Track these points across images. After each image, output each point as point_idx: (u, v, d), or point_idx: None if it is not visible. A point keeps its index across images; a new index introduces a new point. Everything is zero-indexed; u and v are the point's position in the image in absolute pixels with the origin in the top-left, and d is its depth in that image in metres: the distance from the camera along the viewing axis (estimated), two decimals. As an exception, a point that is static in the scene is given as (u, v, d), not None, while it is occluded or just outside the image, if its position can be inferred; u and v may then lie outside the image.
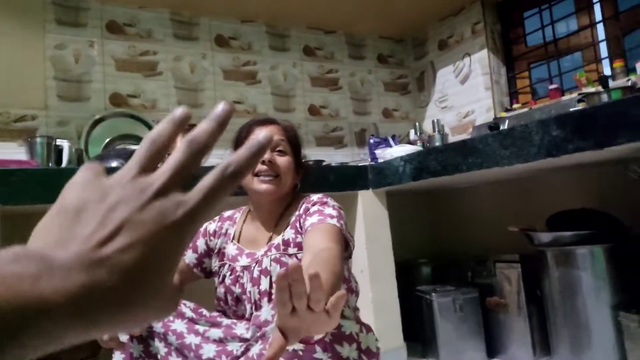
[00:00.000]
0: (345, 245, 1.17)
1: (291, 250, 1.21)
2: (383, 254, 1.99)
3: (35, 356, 0.25)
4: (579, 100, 1.73)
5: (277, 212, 1.30)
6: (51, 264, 0.25)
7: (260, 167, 1.25)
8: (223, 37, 2.43)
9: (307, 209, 1.24)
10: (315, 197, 1.28)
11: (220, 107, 0.33)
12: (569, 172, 1.93)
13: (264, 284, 1.22)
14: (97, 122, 2.02)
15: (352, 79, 2.77)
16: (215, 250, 1.36)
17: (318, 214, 1.19)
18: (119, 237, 0.27)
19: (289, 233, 1.24)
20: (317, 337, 0.99)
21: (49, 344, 0.25)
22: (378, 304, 1.93)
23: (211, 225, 1.40)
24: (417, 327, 2.07)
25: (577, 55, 2.35)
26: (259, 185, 1.24)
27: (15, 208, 1.35)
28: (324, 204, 1.24)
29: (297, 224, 1.24)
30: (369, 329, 1.12)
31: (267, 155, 1.25)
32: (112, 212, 0.28)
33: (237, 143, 1.33)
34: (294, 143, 1.32)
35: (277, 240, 1.25)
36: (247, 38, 2.49)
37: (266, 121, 1.33)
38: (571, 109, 1.57)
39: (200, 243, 1.38)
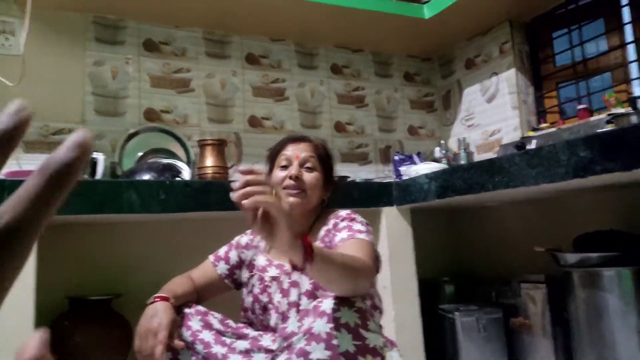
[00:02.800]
0: (374, 261, 1.20)
1: None
2: (406, 272, 2.00)
3: None
4: (608, 122, 1.72)
5: (306, 226, 1.35)
6: None
7: (287, 182, 1.30)
8: (253, 55, 2.50)
9: (336, 224, 1.28)
10: (343, 212, 1.32)
11: (77, 136, 0.25)
12: (597, 193, 1.91)
13: (294, 295, 1.25)
14: (131, 136, 2.10)
15: (378, 96, 2.81)
16: (247, 262, 1.41)
17: (347, 229, 1.23)
18: None
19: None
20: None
21: None
22: (400, 322, 1.93)
23: (243, 238, 1.46)
24: (439, 346, 2.06)
25: (607, 75, 2.33)
26: (286, 198, 1.29)
27: (54, 218, 1.42)
28: (353, 219, 1.28)
29: (327, 238, 1.28)
30: (393, 344, 1.14)
31: (294, 170, 1.30)
32: None
33: (271, 160, 1.39)
34: (324, 160, 1.37)
35: None
36: (277, 56, 2.56)
37: (299, 138, 1.39)
38: (599, 130, 1.56)
39: (233, 255, 1.43)
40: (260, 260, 1.38)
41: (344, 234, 1.22)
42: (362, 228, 1.24)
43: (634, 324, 1.53)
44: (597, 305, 1.59)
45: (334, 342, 1.01)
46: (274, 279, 1.31)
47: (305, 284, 1.25)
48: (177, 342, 1.22)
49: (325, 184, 1.37)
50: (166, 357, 1.22)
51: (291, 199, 1.30)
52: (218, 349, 1.24)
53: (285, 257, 1.34)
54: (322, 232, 1.31)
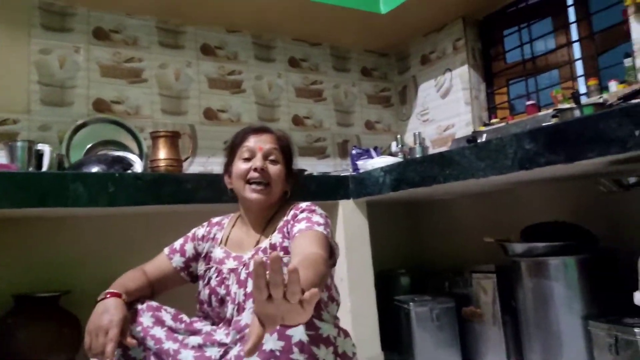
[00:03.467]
0: (330, 254, 1.20)
1: (278, 253, 1.24)
2: (362, 264, 2.01)
3: None
4: (553, 116, 1.78)
5: (266, 217, 1.35)
6: None
7: (252, 174, 1.29)
8: (209, 46, 2.46)
9: (295, 216, 1.27)
10: (303, 204, 1.32)
11: None
12: (544, 185, 1.99)
13: (251, 286, 1.24)
14: (79, 128, 2.02)
15: (336, 90, 2.81)
16: (203, 254, 1.39)
17: (306, 220, 1.22)
18: None
19: (276, 237, 1.27)
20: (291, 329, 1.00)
21: None
22: (356, 313, 1.95)
23: (200, 230, 1.43)
24: (395, 336, 2.09)
25: (555, 72, 2.42)
26: (250, 194, 1.29)
27: (-5, 211, 1.35)
28: (312, 211, 1.28)
29: (285, 229, 1.28)
30: (346, 334, 1.15)
31: (259, 163, 1.29)
32: None
33: (232, 151, 1.37)
34: (286, 152, 1.36)
35: (265, 243, 1.28)
36: (233, 48, 2.52)
37: (260, 129, 1.37)
38: (544, 124, 1.62)
39: (189, 247, 1.41)
40: (217, 253, 1.36)
41: (302, 225, 1.21)
42: (321, 220, 1.24)
43: (578, 310, 1.60)
44: (543, 293, 1.66)
45: (288, 332, 1.00)
46: (231, 270, 1.30)
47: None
48: (129, 340, 1.18)
49: (287, 177, 1.36)
50: (117, 353, 1.19)
51: (255, 195, 1.29)
52: (170, 345, 1.21)
53: (243, 249, 1.32)
54: (281, 222, 1.30)
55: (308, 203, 1.33)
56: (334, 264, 1.28)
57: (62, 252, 1.84)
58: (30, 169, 1.77)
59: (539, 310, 1.66)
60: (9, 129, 1.95)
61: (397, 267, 2.41)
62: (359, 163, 2.40)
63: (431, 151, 2.62)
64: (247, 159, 1.31)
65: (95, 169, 1.68)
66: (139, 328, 1.23)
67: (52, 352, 1.57)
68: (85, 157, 1.89)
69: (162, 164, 1.92)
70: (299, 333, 1.01)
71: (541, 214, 1.91)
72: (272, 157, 1.32)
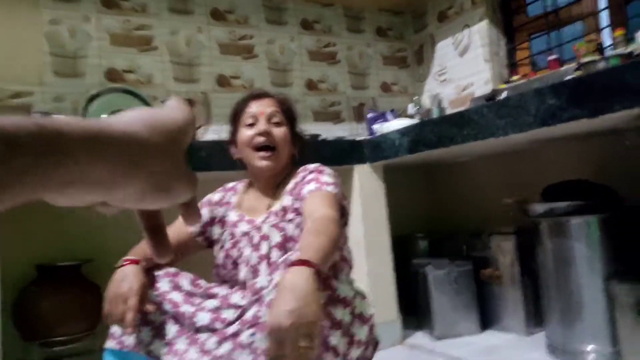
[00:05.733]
0: (342, 213, 1.19)
1: (289, 215, 1.24)
2: (379, 228, 2.00)
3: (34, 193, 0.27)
4: (576, 69, 1.70)
5: (276, 182, 1.34)
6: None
7: (258, 139, 1.27)
8: (219, 11, 2.40)
9: (304, 177, 1.26)
10: (312, 166, 1.31)
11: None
12: (565, 143, 1.92)
13: (264, 248, 1.25)
14: (93, 98, 2.01)
15: (350, 52, 2.74)
16: (218, 219, 1.40)
17: (315, 181, 1.22)
18: None
19: (287, 200, 1.27)
20: None
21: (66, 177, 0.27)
22: (373, 277, 1.95)
23: (215, 195, 1.44)
24: (412, 300, 2.09)
25: (579, 25, 2.31)
26: (259, 162, 1.28)
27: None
28: (321, 172, 1.26)
29: (295, 191, 1.27)
30: (363, 295, 1.14)
31: (263, 127, 1.27)
32: None
33: (235, 119, 1.35)
34: (289, 114, 1.34)
35: (276, 207, 1.28)
36: (243, 11, 2.46)
37: (261, 94, 1.35)
38: (566, 78, 1.55)
39: (205, 212, 1.41)
40: (232, 216, 1.37)
41: (311, 186, 1.20)
42: (330, 180, 1.23)
43: (599, 270, 1.56)
44: (564, 254, 1.62)
45: None
46: (245, 234, 1.30)
47: (276, 237, 1.24)
48: (148, 306, 1.20)
49: (293, 139, 1.34)
50: (135, 318, 1.21)
51: (264, 163, 1.28)
52: (187, 308, 1.23)
53: (256, 213, 1.32)
54: (291, 185, 1.30)
55: (317, 164, 1.31)
56: (345, 223, 1.27)
57: (84, 221, 1.87)
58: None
59: (559, 272, 1.63)
60: (24, 101, 1.96)
61: (415, 231, 2.39)
62: (375, 127, 2.36)
63: (449, 112, 2.55)
64: (251, 125, 1.30)
65: (108, 139, 1.68)
66: (156, 293, 1.25)
67: (74, 320, 1.61)
68: (99, 127, 1.90)
69: (175, 132, 1.92)
70: None
71: (563, 173, 1.85)
72: (275, 120, 1.30)
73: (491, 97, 1.97)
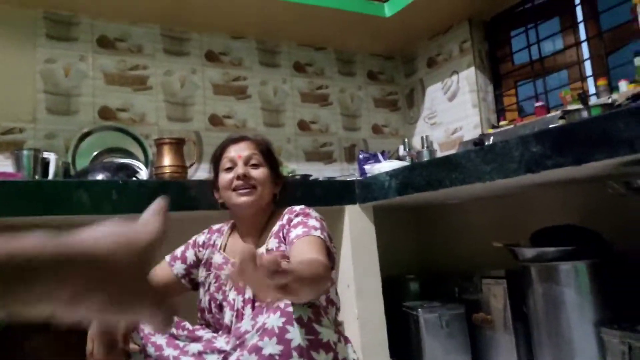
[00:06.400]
0: (329, 257, 1.19)
1: None
2: (369, 269, 1.99)
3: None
4: (560, 117, 1.75)
5: (260, 224, 1.34)
6: None
7: (236, 182, 1.29)
8: (213, 53, 2.46)
9: (290, 220, 1.27)
10: (297, 208, 1.31)
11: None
12: (553, 188, 1.95)
13: (249, 292, 1.23)
14: (85, 136, 2.03)
15: (342, 94, 2.80)
16: (203, 261, 1.39)
17: (302, 225, 1.22)
18: None
19: (272, 243, 1.27)
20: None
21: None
22: (364, 320, 1.92)
23: (200, 237, 1.44)
24: (403, 343, 2.06)
25: (564, 73, 2.38)
26: (237, 198, 1.28)
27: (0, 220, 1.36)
28: (307, 215, 1.27)
29: (281, 234, 1.27)
30: (347, 340, 1.13)
31: (241, 170, 1.29)
32: None
33: (215, 164, 1.38)
34: (267, 155, 1.36)
35: (262, 250, 1.27)
36: (238, 53, 2.52)
37: (238, 139, 1.38)
38: (550, 126, 1.59)
39: (190, 254, 1.41)
40: (217, 259, 1.36)
41: (299, 230, 1.20)
42: (317, 224, 1.23)
43: (590, 316, 1.56)
44: (554, 299, 1.62)
45: (287, 336, 0.99)
46: (229, 277, 1.29)
47: None
48: (132, 346, 1.19)
49: (274, 179, 1.36)
50: None
51: (243, 199, 1.28)
52: (170, 352, 1.21)
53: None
54: (276, 227, 1.30)
55: (302, 206, 1.32)
56: (332, 268, 1.27)
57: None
58: (37, 177, 1.78)
59: (550, 316, 1.62)
60: (16, 137, 1.96)
61: (406, 273, 2.38)
62: (367, 167, 2.38)
63: (439, 154, 2.59)
64: (230, 169, 1.32)
65: (100, 177, 1.68)
66: (140, 335, 1.23)
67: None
68: (90, 164, 1.90)
69: (166, 170, 1.92)
70: (298, 337, 1.00)
71: (550, 217, 1.87)
72: (253, 162, 1.32)
73: (479, 141, 2.01)
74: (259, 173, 1.31)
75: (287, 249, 1.22)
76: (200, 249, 1.42)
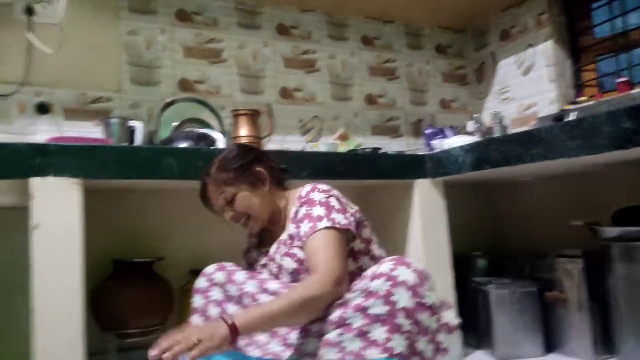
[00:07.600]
0: (347, 228, 1.20)
1: (297, 242, 1.27)
2: (439, 244, 1.99)
3: None
4: (653, 92, 1.67)
5: (276, 219, 1.39)
6: None
7: (234, 222, 1.36)
8: (284, 26, 2.49)
9: (297, 212, 1.28)
10: (303, 191, 1.30)
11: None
12: (635, 166, 1.87)
13: (284, 277, 1.31)
14: (167, 106, 2.12)
15: (409, 69, 2.77)
16: (251, 262, 1.49)
17: (307, 219, 1.22)
18: None
19: (291, 228, 1.30)
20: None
21: None
22: (433, 293, 1.93)
23: (243, 246, 1.54)
24: (472, 320, 2.06)
25: (649, 47, 2.25)
26: (247, 228, 1.40)
27: (95, 182, 1.45)
28: (311, 202, 1.25)
29: (296, 219, 1.28)
30: (449, 305, 1.16)
31: (227, 218, 1.35)
32: None
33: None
34: (232, 179, 1.32)
35: (284, 236, 1.33)
36: (307, 27, 2.54)
37: (201, 195, 1.38)
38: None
39: (244, 263, 1.50)
40: (254, 254, 1.48)
41: (306, 227, 1.20)
42: (321, 211, 1.21)
43: (674, 299, 1.51)
44: (637, 280, 1.57)
45: (392, 298, 1.03)
46: (263, 265, 1.40)
47: (290, 264, 1.28)
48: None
49: (255, 188, 1.33)
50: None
51: (250, 227, 1.37)
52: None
53: (268, 245, 1.39)
54: (292, 212, 1.32)
55: (308, 188, 1.29)
56: (359, 235, 1.28)
57: (155, 221, 1.98)
58: (124, 144, 1.88)
59: (632, 298, 1.58)
60: (103, 106, 2.07)
61: (475, 250, 2.36)
62: (434, 142, 2.36)
63: (511, 131, 2.53)
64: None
65: (184, 145, 1.76)
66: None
67: (146, 313, 1.68)
68: (174, 133, 1.98)
69: (243, 140, 1.98)
70: (404, 299, 1.02)
71: (630, 197, 1.80)
72: (228, 199, 1.32)
73: (559, 117, 1.94)
74: (240, 205, 1.31)
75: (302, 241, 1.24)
76: (246, 254, 1.54)
